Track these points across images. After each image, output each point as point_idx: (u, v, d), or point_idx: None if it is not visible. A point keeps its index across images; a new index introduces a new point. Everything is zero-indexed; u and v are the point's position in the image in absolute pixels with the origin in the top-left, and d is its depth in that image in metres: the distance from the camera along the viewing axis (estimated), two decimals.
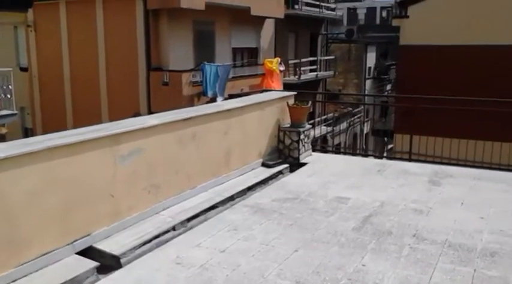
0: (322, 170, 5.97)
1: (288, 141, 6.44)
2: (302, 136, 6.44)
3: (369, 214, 4.43)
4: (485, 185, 5.30)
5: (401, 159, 7.40)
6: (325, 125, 22.44)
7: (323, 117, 22.87)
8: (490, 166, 8.86)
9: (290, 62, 21.26)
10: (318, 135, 20.84)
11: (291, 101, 6.69)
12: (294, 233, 4.00)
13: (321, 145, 20.25)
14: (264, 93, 7.28)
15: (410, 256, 3.59)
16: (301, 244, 3.79)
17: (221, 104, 6.35)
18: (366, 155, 13.61)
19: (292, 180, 5.61)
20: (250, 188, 5.25)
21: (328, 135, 21.87)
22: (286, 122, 6.58)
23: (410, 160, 7.02)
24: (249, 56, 18.87)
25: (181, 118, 4.62)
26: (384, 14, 45.32)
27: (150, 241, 3.84)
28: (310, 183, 5.42)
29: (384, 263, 3.46)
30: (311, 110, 8.28)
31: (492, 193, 5.02)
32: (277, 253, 3.62)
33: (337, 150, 12.35)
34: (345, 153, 10.10)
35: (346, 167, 6.15)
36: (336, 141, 23.79)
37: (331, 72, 25.49)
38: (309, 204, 4.71)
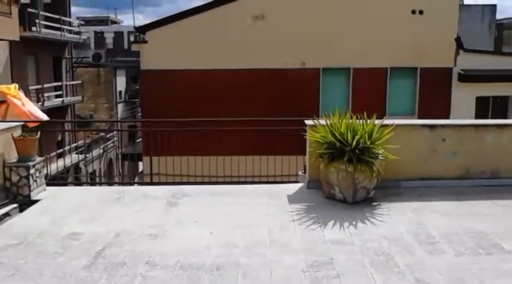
0: (57, 206, 5.52)
1: (15, 178, 5.78)
2: (32, 171, 5.86)
3: (103, 247, 4.23)
4: (218, 200, 5.65)
5: (143, 183, 7.40)
6: (76, 153, 21.28)
7: (73, 145, 21.64)
8: (231, 181, 9.64)
9: (31, 87, 19.55)
10: (70, 164, 19.61)
11: (17, 133, 6.04)
12: None
13: (74, 175, 19.12)
14: None
15: None
16: None
17: None
18: (111, 183, 13.31)
19: (20, 221, 5.02)
20: None
21: (81, 163, 20.78)
22: (13, 157, 5.91)
23: (152, 183, 7.08)
24: None
25: None
26: (132, 38, 45.80)
27: None
28: (41, 222, 4.93)
29: None
30: (60, 138, 7.66)
31: (223, 207, 5.37)
32: None
33: (77, 181, 11.75)
34: (89, 183, 9.65)
35: (84, 199, 5.82)
36: (91, 169, 22.78)
37: (79, 97, 24.44)
38: (37, 247, 4.26)
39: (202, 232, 4.58)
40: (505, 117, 15.77)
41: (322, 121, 5.81)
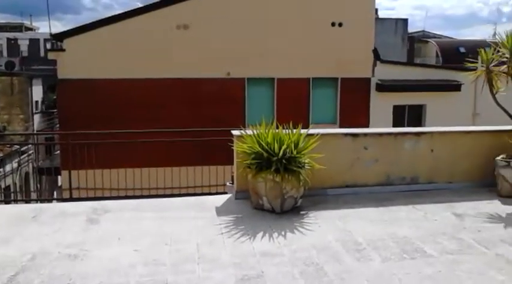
0: None
1: None
2: None
3: (15, 272, 3.88)
4: (143, 215, 5.41)
5: (61, 199, 6.98)
6: None
7: None
8: (157, 194, 9.37)
9: None
10: None
11: None
12: None
13: None
14: None
15: None
16: None
17: None
18: (27, 200, 12.52)
19: None
20: None
21: None
22: None
23: (71, 199, 6.69)
24: None
25: None
26: (49, 46, 43.72)
27: None
28: None
29: None
30: None
31: (149, 222, 5.16)
32: None
33: None
34: (3, 201, 8.98)
35: None
36: (4, 184, 21.29)
37: None
38: None
39: (126, 250, 4.35)
40: (420, 125, 16.70)
41: (249, 132, 5.78)
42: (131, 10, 15.06)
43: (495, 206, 5.70)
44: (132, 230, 4.91)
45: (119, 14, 14.97)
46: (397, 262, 4.01)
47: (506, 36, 6.08)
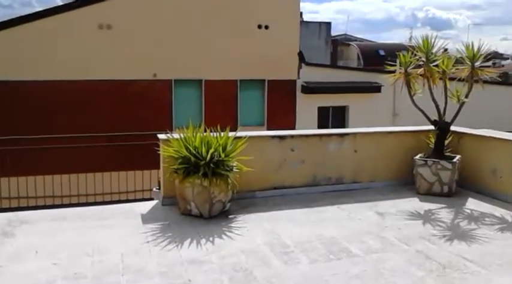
0: None
1: None
2: None
3: None
4: (63, 225, 5.12)
5: None
6: None
7: None
8: (78, 202, 8.95)
9: None
10: None
11: None
12: None
13: None
14: None
15: None
16: None
17: None
18: None
19: None
20: None
21: None
22: None
23: None
24: None
25: None
26: None
27: None
28: None
29: None
30: None
31: (69, 233, 4.88)
32: None
33: None
34: None
35: None
36: None
37: None
38: None
39: (45, 264, 4.08)
40: (344, 125, 17.26)
41: (176, 135, 5.65)
42: (50, 8, 14.33)
43: (414, 203, 5.96)
44: (51, 242, 4.62)
45: (37, 12, 14.20)
46: (324, 263, 4.06)
47: (423, 40, 6.39)
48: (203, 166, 5.20)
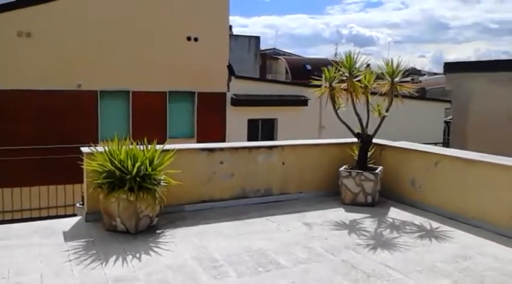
0: None
1: None
2: None
3: None
4: None
5: None
6: None
7: None
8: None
9: None
10: None
11: None
12: None
13: None
14: None
15: None
16: None
17: None
18: None
19: None
20: None
21: None
22: None
23: None
24: None
25: None
26: None
27: None
28: None
29: None
30: None
31: None
32: None
33: None
34: None
35: None
36: None
37: None
38: None
39: None
40: (272, 137, 17.52)
41: (100, 148, 5.46)
42: None
43: (340, 213, 6.14)
44: None
45: None
46: (252, 276, 4.06)
47: (346, 56, 6.64)
48: (129, 181, 5.05)
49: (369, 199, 6.52)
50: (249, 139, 16.39)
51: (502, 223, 5.33)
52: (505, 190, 5.37)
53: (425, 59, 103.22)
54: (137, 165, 5.13)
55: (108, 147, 5.36)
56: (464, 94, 11.02)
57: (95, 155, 5.37)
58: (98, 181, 5.22)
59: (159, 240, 4.96)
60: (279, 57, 39.07)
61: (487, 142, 9.67)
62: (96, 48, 14.28)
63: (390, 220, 5.92)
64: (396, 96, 6.67)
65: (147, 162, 5.25)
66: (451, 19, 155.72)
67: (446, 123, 19.86)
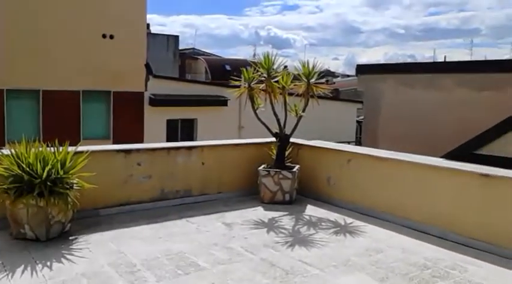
0: None
1: None
2: None
3: None
4: None
5: None
6: None
7: None
8: None
9: None
10: None
11: None
12: None
13: None
14: None
15: None
16: None
17: None
18: None
19: None
20: None
21: None
22: None
23: None
24: None
25: None
26: None
27: None
28: None
29: None
30: None
31: None
32: None
33: None
34: None
35: None
36: None
37: None
38: None
39: None
40: (192, 137, 17.39)
41: (6, 151, 5.11)
42: None
43: (259, 212, 6.21)
44: None
45: None
46: (171, 280, 4.00)
47: (264, 57, 6.74)
48: (38, 185, 4.77)
49: (287, 197, 6.66)
50: (168, 140, 16.14)
51: (408, 216, 5.67)
52: (411, 185, 5.72)
53: (338, 61, 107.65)
54: (47, 168, 4.86)
55: (15, 149, 5.03)
56: (375, 95, 11.62)
57: (0, 159, 5.01)
58: (3, 187, 4.88)
59: (72, 247, 4.73)
60: (198, 57, 38.86)
61: (396, 140, 10.28)
62: (1, 44, 13.36)
63: (307, 217, 6.09)
64: (312, 96, 6.87)
65: (59, 165, 4.99)
66: (362, 24, 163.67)
67: (359, 122, 20.84)
